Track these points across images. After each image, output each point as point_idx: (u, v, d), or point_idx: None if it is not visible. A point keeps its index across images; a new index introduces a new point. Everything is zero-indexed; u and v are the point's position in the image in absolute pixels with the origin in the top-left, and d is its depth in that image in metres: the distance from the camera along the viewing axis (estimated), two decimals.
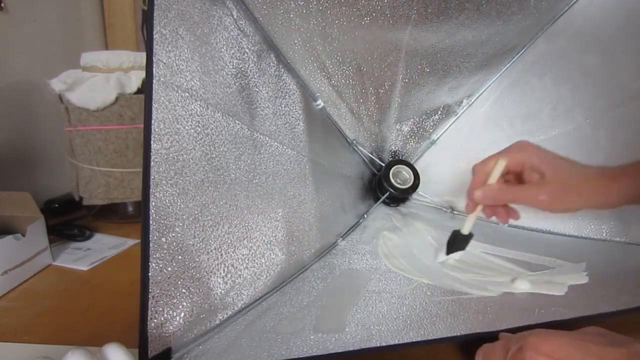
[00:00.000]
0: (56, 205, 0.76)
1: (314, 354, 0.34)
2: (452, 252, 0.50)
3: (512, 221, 0.47)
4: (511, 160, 0.43)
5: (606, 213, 0.60)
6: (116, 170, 0.68)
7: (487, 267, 0.52)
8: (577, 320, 0.39)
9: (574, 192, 0.39)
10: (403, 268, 0.52)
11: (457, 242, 0.49)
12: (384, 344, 0.35)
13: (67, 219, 0.72)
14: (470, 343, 0.37)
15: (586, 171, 0.41)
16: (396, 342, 0.36)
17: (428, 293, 0.46)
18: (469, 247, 0.50)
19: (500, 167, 0.44)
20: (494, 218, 0.47)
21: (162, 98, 0.35)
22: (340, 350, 0.34)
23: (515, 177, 0.46)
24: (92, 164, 0.68)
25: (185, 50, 0.38)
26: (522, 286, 0.46)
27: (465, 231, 0.48)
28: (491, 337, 0.36)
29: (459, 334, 0.38)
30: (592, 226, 0.61)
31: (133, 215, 0.74)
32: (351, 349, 0.34)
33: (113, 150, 0.67)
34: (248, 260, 0.42)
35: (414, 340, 0.36)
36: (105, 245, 0.64)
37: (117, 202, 0.71)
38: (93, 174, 0.68)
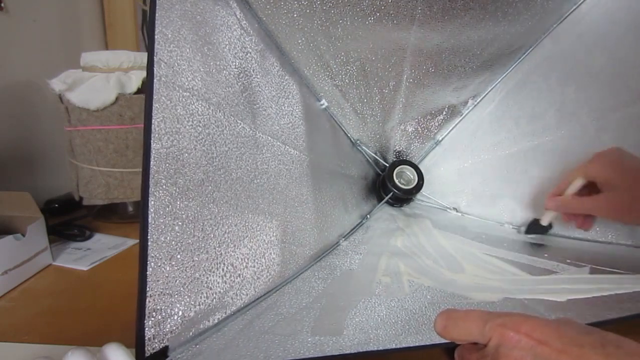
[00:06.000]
0: (56, 205, 0.76)
1: (311, 356, 0.33)
2: (531, 233, 0.59)
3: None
4: (587, 176, 0.49)
5: None
6: (116, 170, 0.68)
7: (489, 270, 0.52)
8: None
9: None
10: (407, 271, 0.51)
11: (536, 228, 0.58)
12: (380, 348, 0.35)
13: (67, 219, 0.72)
14: None
15: None
16: (393, 346, 0.35)
17: (428, 297, 0.45)
18: (471, 249, 0.51)
19: (576, 185, 0.51)
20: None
21: (163, 97, 0.35)
22: (336, 353, 0.34)
23: (590, 189, 0.50)
24: (92, 164, 0.67)
25: (187, 50, 0.37)
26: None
27: (544, 222, 0.57)
28: None
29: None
30: (598, 229, 0.60)
31: (133, 215, 0.74)
32: (348, 352, 0.34)
33: (113, 150, 0.67)
34: (248, 259, 0.41)
35: (411, 345, 0.36)
36: (105, 245, 0.64)
37: (117, 202, 0.70)
38: (93, 174, 0.68)
